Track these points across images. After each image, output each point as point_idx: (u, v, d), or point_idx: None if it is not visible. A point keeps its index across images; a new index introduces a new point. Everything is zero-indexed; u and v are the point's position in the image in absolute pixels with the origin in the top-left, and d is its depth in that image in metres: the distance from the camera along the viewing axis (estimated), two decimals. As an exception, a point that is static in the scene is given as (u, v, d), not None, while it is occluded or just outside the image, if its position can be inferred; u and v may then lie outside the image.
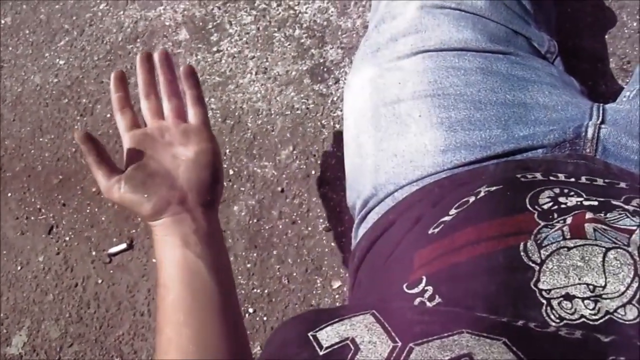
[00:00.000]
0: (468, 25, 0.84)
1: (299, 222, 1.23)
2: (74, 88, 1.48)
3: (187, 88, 0.79)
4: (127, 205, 0.71)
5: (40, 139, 1.46)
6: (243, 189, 1.28)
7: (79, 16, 1.55)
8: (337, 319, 0.48)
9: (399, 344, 0.43)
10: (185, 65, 0.79)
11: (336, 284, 1.18)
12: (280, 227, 1.24)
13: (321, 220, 1.22)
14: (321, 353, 0.45)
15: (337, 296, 1.18)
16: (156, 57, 0.80)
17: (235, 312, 0.70)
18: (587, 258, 0.49)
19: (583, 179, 0.64)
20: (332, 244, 1.20)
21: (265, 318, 1.20)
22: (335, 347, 0.45)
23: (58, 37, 1.55)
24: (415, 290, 0.55)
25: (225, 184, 1.28)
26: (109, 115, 1.42)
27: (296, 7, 1.40)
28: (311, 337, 0.47)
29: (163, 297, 0.67)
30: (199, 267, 0.68)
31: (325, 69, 1.33)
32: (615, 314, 0.46)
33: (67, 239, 1.36)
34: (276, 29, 1.40)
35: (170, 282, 0.67)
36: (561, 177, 0.65)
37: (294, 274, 1.21)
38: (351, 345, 0.45)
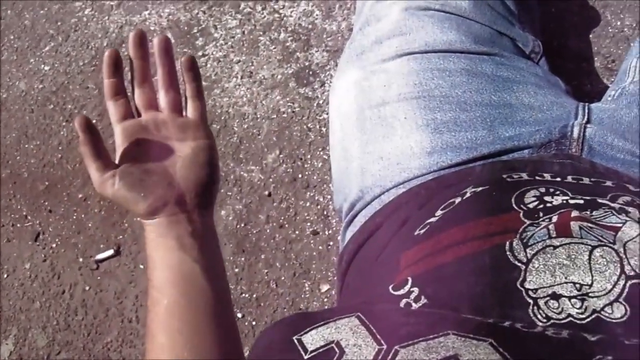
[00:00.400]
0: (452, 27, 0.84)
1: (287, 226, 1.23)
2: (59, 94, 1.47)
3: (187, 80, 0.71)
4: (120, 202, 0.67)
5: (26, 145, 1.45)
6: (230, 193, 1.28)
7: (64, 21, 1.54)
8: (322, 322, 0.48)
9: (384, 346, 0.43)
10: (187, 56, 0.71)
11: (324, 288, 1.18)
12: (268, 231, 1.24)
13: (308, 224, 1.22)
14: (306, 357, 0.45)
15: (325, 300, 1.17)
16: (155, 43, 0.71)
17: (229, 316, 0.68)
18: (573, 256, 0.49)
19: (569, 178, 0.64)
20: (320, 247, 1.20)
21: (254, 323, 1.19)
22: (320, 350, 0.45)
23: (43, 42, 1.54)
24: (401, 292, 0.54)
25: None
26: (95, 121, 1.41)
27: (281, 11, 1.40)
28: (296, 341, 0.47)
29: (156, 301, 0.65)
30: (194, 271, 0.65)
31: (310, 72, 1.33)
32: (602, 312, 0.46)
33: (54, 245, 1.35)
34: (261, 33, 1.39)
35: (164, 287, 0.65)
36: (547, 176, 0.65)
37: (282, 278, 1.20)
38: (336, 349, 0.44)
